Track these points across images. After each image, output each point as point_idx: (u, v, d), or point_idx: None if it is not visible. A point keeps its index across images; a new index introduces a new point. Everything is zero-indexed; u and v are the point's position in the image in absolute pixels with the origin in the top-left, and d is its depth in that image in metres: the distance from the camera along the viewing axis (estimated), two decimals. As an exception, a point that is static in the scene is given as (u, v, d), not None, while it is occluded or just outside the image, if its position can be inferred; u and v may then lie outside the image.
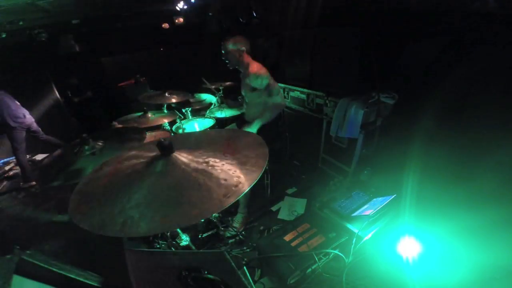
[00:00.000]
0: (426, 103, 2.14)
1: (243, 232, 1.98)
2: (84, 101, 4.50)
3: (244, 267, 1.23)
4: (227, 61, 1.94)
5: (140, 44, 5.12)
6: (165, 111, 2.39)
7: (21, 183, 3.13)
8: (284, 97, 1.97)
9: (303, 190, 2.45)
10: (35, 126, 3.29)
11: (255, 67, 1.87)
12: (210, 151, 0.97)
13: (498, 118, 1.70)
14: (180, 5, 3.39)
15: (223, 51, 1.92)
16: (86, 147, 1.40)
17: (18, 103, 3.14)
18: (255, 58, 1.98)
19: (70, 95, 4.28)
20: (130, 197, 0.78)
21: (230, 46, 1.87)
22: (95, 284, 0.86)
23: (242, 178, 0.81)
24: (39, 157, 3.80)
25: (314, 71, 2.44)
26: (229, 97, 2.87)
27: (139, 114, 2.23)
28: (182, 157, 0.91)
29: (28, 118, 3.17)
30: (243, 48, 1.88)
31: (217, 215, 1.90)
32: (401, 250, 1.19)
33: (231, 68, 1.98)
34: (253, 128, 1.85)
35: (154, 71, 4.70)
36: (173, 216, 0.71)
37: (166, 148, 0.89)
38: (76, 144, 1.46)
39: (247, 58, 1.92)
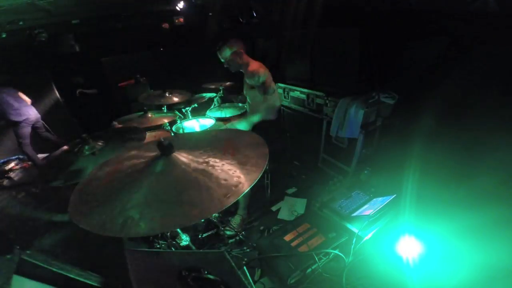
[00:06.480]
0: (426, 103, 2.14)
1: (243, 232, 1.98)
2: (87, 99, 4.53)
3: (244, 267, 1.23)
4: (228, 67, 1.95)
5: (140, 44, 5.12)
6: (165, 111, 2.39)
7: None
8: (280, 99, 1.99)
9: (303, 190, 2.44)
10: (40, 123, 3.42)
11: (253, 65, 1.88)
12: (210, 151, 0.97)
13: (498, 117, 1.70)
14: (180, 5, 3.39)
15: (222, 60, 1.92)
16: (86, 147, 1.40)
17: (25, 99, 3.22)
18: (254, 58, 1.98)
19: (80, 89, 4.36)
20: (130, 197, 0.78)
21: (228, 52, 1.86)
22: (95, 284, 0.86)
23: (242, 178, 0.81)
24: (39, 156, 3.79)
25: (314, 71, 2.44)
26: (230, 96, 2.87)
27: (139, 114, 2.23)
28: (182, 157, 0.91)
29: (34, 114, 3.27)
30: (241, 50, 1.88)
31: (217, 215, 1.90)
32: (401, 250, 1.19)
33: (233, 71, 1.98)
34: (242, 125, 1.87)
35: (154, 71, 4.70)
36: (173, 216, 0.71)
37: (166, 148, 0.89)
38: (76, 144, 1.46)
39: (246, 58, 1.92)
